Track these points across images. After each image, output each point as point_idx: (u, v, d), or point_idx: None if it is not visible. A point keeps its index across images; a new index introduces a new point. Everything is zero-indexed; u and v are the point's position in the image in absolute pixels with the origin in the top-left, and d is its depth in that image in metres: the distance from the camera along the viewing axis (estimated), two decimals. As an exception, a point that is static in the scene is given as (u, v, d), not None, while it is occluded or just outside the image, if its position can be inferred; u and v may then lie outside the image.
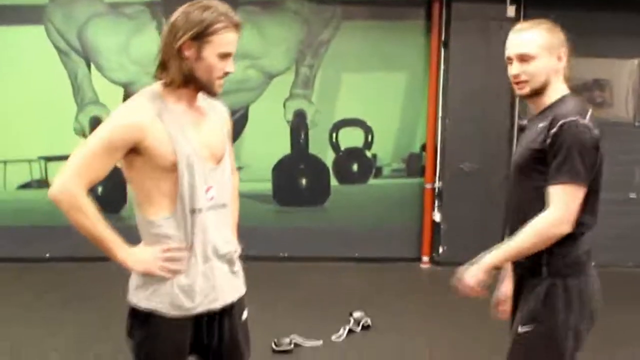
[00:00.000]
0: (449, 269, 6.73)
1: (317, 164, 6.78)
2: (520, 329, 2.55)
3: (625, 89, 6.64)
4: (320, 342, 4.71)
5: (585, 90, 6.41)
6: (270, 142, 6.66)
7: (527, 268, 2.55)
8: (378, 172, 6.86)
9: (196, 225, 2.31)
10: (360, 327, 4.95)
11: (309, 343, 4.68)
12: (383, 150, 6.82)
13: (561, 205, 2.38)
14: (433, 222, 6.75)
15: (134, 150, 2.22)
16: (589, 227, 2.49)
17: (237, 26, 2.25)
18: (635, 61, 6.60)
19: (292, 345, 4.59)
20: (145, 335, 2.37)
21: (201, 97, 2.38)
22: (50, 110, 6.45)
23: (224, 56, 2.25)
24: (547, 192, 2.42)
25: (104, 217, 2.29)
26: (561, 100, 2.52)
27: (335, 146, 6.78)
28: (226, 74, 2.29)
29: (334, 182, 6.83)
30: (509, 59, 2.57)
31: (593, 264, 2.55)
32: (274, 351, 4.52)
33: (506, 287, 2.82)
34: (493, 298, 2.87)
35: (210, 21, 2.19)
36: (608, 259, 5.76)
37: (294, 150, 6.75)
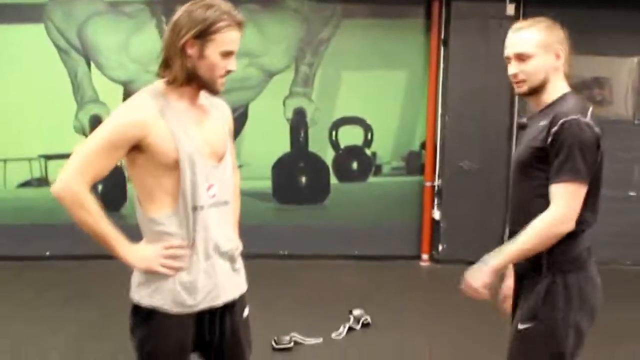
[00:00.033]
0: (448, 267, 6.79)
1: (316, 162, 6.79)
2: (521, 326, 2.54)
3: (624, 87, 6.65)
4: (320, 340, 4.71)
5: (584, 88, 6.42)
6: (270, 140, 6.67)
7: (527, 265, 2.54)
8: (378, 170, 6.87)
9: (198, 223, 2.32)
10: (360, 325, 4.95)
11: (309, 341, 4.68)
12: (383, 148, 6.83)
13: (563, 203, 2.39)
14: (432, 220, 6.76)
15: (137, 148, 2.23)
16: (590, 224, 2.49)
17: (239, 25, 2.26)
18: (635, 59, 6.60)
19: (292, 343, 4.59)
20: (147, 332, 2.37)
21: (203, 95, 2.39)
22: (50, 109, 6.46)
23: (227, 54, 2.25)
24: (549, 191, 2.42)
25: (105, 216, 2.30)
26: (562, 98, 2.52)
27: (335, 144, 6.79)
28: (228, 72, 2.29)
29: (333, 180, 6.85)
30: (508, 58, 2.58)
31: (593, 259, 2.55)
32: (274, 349, 4.52)
33: (512, 281, 2.81)
34: (500, 294, 2.86)
35: (213, 20, 2.20)
36: (607, 256, 5.77)
37: (294, 148, 6.76)
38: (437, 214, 6.71)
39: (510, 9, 6.24)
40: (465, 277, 2.56)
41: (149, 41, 6.33)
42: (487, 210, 6.50)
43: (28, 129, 6.46)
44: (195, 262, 2.34)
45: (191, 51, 2.22)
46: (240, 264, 2.54)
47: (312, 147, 6.78)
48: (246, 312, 2.59)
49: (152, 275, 2.33)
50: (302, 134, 6.74)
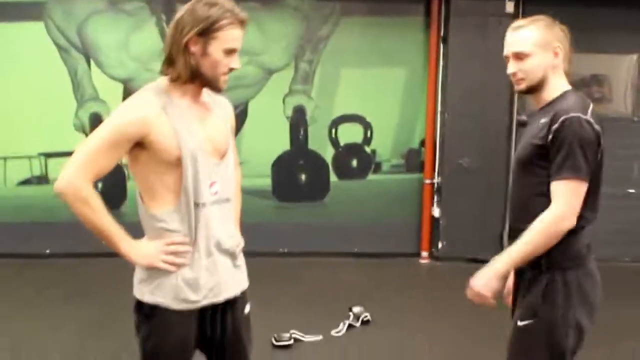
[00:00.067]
0: (448, 264, 6.79)
1: (316, 160, 6.80)
2: (520, 323, 2.55)
3: (624, 84, 6.66)
4: (320, 337, 4.72)
5: (584, 85, 6.42)
6: (269, 137, 6.67)
7: (526, 262, 2.55)
8: (377, 168, 6.88)
9: (200, 220, 2.33)
10: (359, 322, 4.96)
11: (308, 338, 4.69)
12: (382, 145, 6.83)
13: (563, 201, 2.40)
14: (432, 217, 6.77)
15: (139, 145, 2.24)
16: (589, 221, 2.50)
17: (242, 22, 2.28)
18: (634, 56, 6.61)
19: (292, 340, 4.60)
20: (150, 329, 2.39)
21: (205, 92, 2.40)
22: (50, 107, 6.46)
23: (230, 52, 2.27)
24: (549, 188, 2.43)
25: (106, 213, 2.31)
26: (562, 96, 2.53)
27: (334, 142, 6.80)
28: (231, 69, 2.31)
29: (333, 177, 6.85)
30: (507, 57, 2.60)
31: (593, 256, 2.56)
32: (274, 346, 4.53)
33: (512, 276, 2.80)
34: (504, 290, 2.86)
35: (217, 17, 2.21)
36: (607, 253, 5.76)
37: (294, 146, 6.76)
38: (436, 212, 6.71)
39: (510, 7, 6.24)
40: (471, 284, 2.54)
41: (148, 39, 6.35)
42: (486, 208, 6.50)
43: (28, 127, 6.46)
44: (197, 259, 2.35)
45: (194, 49, 2.23)
46: (241, 260, 2.55)
47: (312, 145, 6.79)
48: (247, 308, 2.60)
49: (154, 271, 2.34)
50: (302, 132, 6.74)
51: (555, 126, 2.40)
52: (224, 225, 2.42)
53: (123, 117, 2.25)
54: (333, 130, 6.77)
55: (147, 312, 2.37)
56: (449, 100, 6.52)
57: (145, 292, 2.37)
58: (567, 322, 2.47)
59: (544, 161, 2.46)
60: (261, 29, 6.45)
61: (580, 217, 2.43)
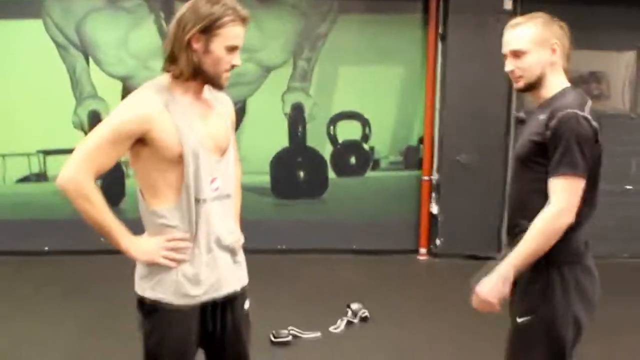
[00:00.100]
0: (446, 261, 6.79)
1: (315, 157, 6.80)
2: (519, 320, 2.56)
3: (621, 81, 6.67)
4: (318, 334, 4.73)
5: (582, 82, 6.43)
6: (268, 135, 6.67)
7: (530, 263, 2.55)
8: (376, 165, 6.88)
9: (200, 216, 2.34)
10: (358, 319, 4.97)
11: (307, 334, 4.70)
12: (381, 143, 6.84)
13: (561, 197, 2.40)
14: (430, 214, 6.78)
15: (141, 141, 2.25)
16: (587, 218, 2.51)
17: (244, 20, 2.29)
18: (632, 53, 6.62)
19: (291, 337, 4.61)
20: (152, 325, 2.40)
21: (206, 89, 2.41)
22: (49, 104, 6.45)
23: (232, 49, 2.29)
24: (548, 185, 2.44)
25: (106, 210, 2.31)
26: (560, 92, 2.54)
27: (333, 139, 6.80)
28: (233, 66, 2.33)
29: (331, 174, 6.86)
30: (504, 55, 2.61)
31: (591, 253, 2.57)
32: (273, 342, 4.54)
33: None
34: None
35: (219, 15, 2.23)
36: (604, 250, 5.76)
37: (292, 143, 6.77)
38: (434, 209, 6.72)
39: (508, 4, 6.25)
40: (477, 291, 2.53)
41: (147, 37, 6.35)
42: (484, 205, 6.51)
43: (27, 125, 6.45)
44: (198, 255, 2.36)
45: (197, 46, 2.25)
46: (241, 256, 2.57)
47: (310, 142, 6.79)
48: (247, 304, 2.61)
49: (154, 268, 2.35)
50: (300, 129, 6.75)
51: (552, 123, 2.41)
52: (224, 221, 2.43)
53: (125, 114, 2.26)
54: (331, 128, 6.77)
55: (148, 309, 2.39)
56: (447, 97, 6.52)
57: (146, 288, 2.38)
58: (566, 318, 2.48)
59: (542, 158, 2.47)
60: (259, 27, 6.44)
61: (578, 214, 2.43)
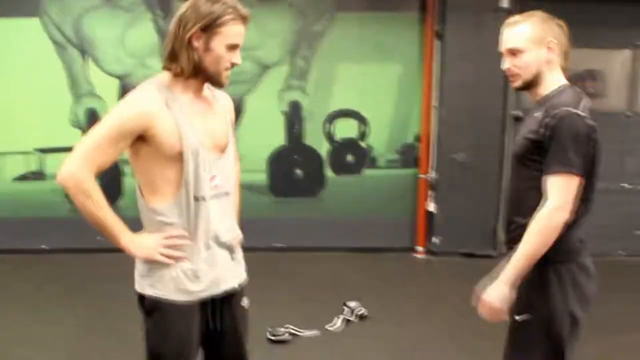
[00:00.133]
0: (443, 259, 6.79)
1: (312, 155, 6.81)
2: (517, 317, 2.57)
3: (617, 79, 6.68)
4: (315, 332, 4.74)
5: (578, 80, 6.42)
6: (265, 133, 6.67)
7: (532, 264, 2.55)
8: (373, 163, 6.89)
9: (199, 213, 2.35)
10: (355, 317, 4.98)
11: (304, 332, 4.71)
12: (378, 141, 6.85)
13: (557, 194, 2.41)
14: (427, 212, 6.79)
15: (141, 139, 2.27)
16: (582, 215, 2.51)
17: (245, 19, 2.31)
18: (628, 51, 6.63)
19: (288, 335, 4.62)
20: (153, 322, 2.41)
21: (206, 87, 2.43)
22: (46, 103, 6.45)
23: (232, 47, 2.31)
24: (543, 182, 2.45)
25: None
26: (557, 90, 2.55)
27: (330, 137, 6.81)
28: (233, 65, 2.36)
29: (329, 172, 6.87)
30: (501, 53, 2.62)
31: (587, 250, 2.57)
32: (270, 340, 4.55)
33: None
34: None
35: (220, 13, 2.24)
36: (600, 248, 5.79)
37: (289, 141, 6.77)
38: (431, 206, 6.73)
39: (505, 2, 6.25)
40: (483, 298, 2.53)
41: (144, 35, 6.35)
42: (481, 203, 6.52)
43: (24, 123, 6.45)
44: (196, 252, 2.38)
45: (197, 44, 2.26)
46: (240, 253, 2.58)
47: (308, 140, 6.80)
48: (245, 302, 2.62)
49: (154, 265, 2.36)
50: (298, 127, 6.75)
51: (548, 120, 2.42)
52: (223, 218, 2.45)
53: (126, 111, 2.27)
54: (328, 126, 6.78)
55: (149, 306, 2.40)
56: (444, 95, 6.53)
57: (146, 285, 2.39)
58: (563, 314, 2.49)
59: (537, 155, 2.48)
60: (257, 25, 6.43)
61: (574, 212, 2.44)
